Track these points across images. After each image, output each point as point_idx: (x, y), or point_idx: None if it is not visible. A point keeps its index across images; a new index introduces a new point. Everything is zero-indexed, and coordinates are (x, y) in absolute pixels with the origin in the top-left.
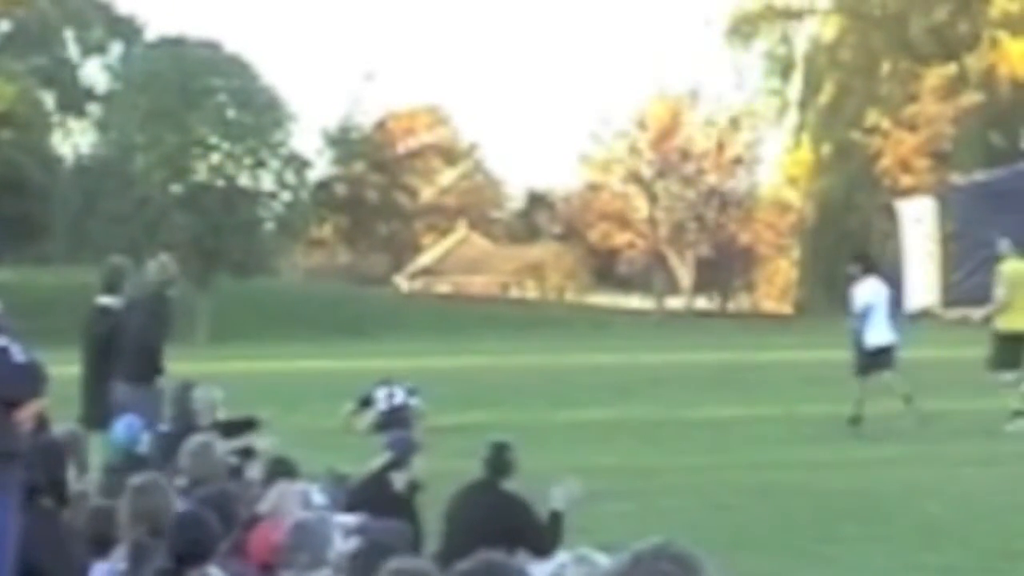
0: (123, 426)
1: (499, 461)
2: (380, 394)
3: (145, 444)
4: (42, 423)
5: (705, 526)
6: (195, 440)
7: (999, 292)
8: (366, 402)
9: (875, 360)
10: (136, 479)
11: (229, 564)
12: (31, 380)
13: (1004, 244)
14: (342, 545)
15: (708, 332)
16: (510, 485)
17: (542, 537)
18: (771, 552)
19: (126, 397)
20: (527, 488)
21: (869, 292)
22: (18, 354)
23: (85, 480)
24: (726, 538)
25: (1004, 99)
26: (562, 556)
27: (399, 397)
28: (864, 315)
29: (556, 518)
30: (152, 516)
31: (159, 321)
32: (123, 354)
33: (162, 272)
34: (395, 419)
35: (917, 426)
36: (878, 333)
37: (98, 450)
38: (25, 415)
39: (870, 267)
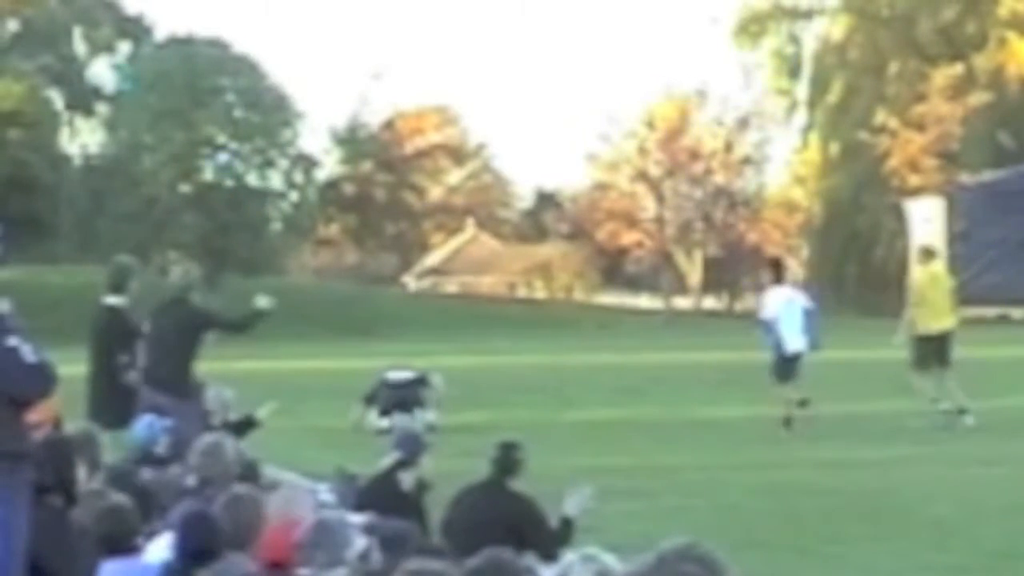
0: (144, 425)
1: (507, 461)
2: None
3: (163, 445)
4: (56, 423)
5: (713, 525)
6: (206, 440)
7: (910, 300)
8: (371, 399)
9: (792, 366)
10: (238, 489)
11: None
12: (41, 381)
13: (920, 248)
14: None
15: (716, 331)
16: (517, 485)
17: (549, 539)
18: (779, 552)
19: (168, 408)
20: (534, 488)
21: (780, 300)
22: (29, 354)
23: (97, 479)
24: (734, 537)
25: (1012, 99)
26: (569, 555)
27: (408, 375)
28: (774, 323)
29: (567, 524)
30: (234, 525)
31: (189, 330)
32: (157, 362)
33: (185, 277)
34: (400, 396)
35: (810, 427)
36: (793, 339)
37: (107, 449)
38: (43, 417)
39: (780, 275)
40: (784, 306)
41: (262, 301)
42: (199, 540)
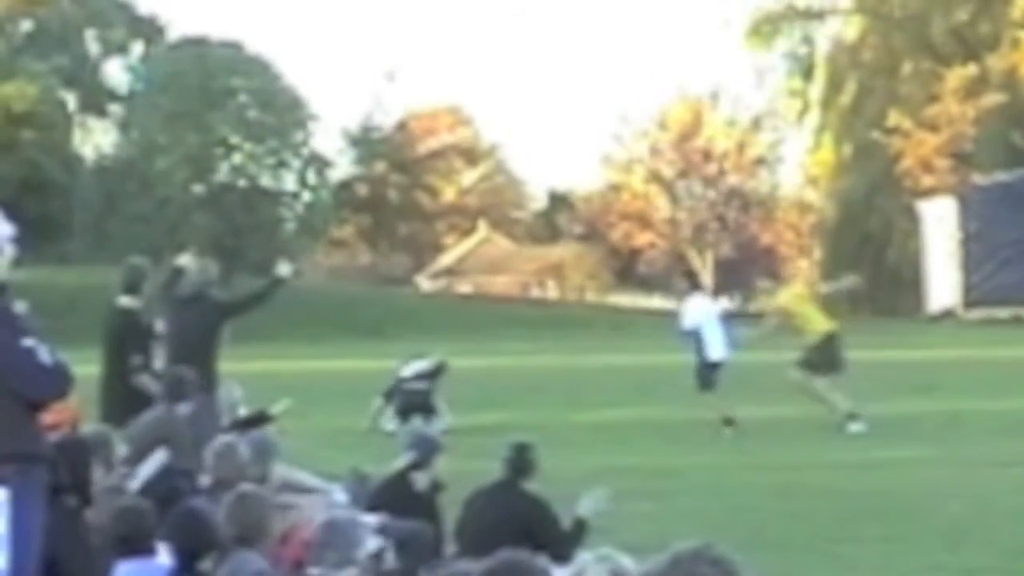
0: None
1: (520, 461)
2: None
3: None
4: (74, 424)
5: (725, 526)
6: (220, 440)
7: (771, 321)
8: (390, 395)
9: (714, 373)
10: (244, 487)
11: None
12: (57, 382)
13: (763, 284)
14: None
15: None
16: (531, 486)
17: (561, 540)
18: (791, 552)
19: (193, 404)
20: (547, 489)
21: (699, 308)
22: (45, 356)
23: (113, 478)
24: (746, 538)
25: None
26: (584, 555)
27: (422, 367)
28: (697, 332)
29: (580, 525)
30: (241, 524)
31: (211, 325)
32: (180, 360)
33: (202, 273)
34: (413, 399)
35: (735, 436)
36: (716, 347)
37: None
38: (61, 418)
39: (696, 284)
40: (703, 315)
41: (283, 268)
42: (191, 538)
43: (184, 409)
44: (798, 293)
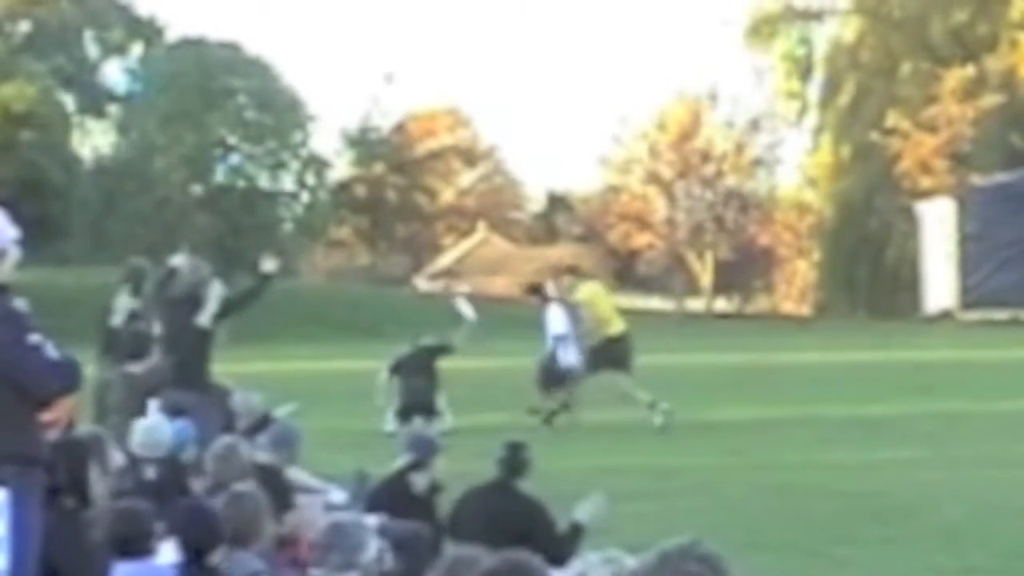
0: (175, 430)
1: (515, 461)
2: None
3: (192, 453)
4: (70, 422)
5: (723, 527)
6: (220, 442)
7: (586, 317)
8: (396, 368)
9: (563, 379)
10: (239, 486)
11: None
12: (66, 377)
13: (566, 280)
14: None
15: (727, 333)
16: (526, 486)
17: (557, 543)
18: (789, 553)
19: (192, 406)
20: (544, 489)
21: (560, 317)
22: (52, 351)
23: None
24: (744, 539)
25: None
26: (590, 556)
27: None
28: (565, 337)
29: (576, 530)
30: (235, 523)
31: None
32: (176, 361)
33: (194, 273)
34: (414, 399)
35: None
36: (570, 355)
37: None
38: (58, 413)
39: (546, 297)
40: (565, 323)
41: (268, 265)
42: (198, 533)
43: (137, 368)
44: (597, 291)
